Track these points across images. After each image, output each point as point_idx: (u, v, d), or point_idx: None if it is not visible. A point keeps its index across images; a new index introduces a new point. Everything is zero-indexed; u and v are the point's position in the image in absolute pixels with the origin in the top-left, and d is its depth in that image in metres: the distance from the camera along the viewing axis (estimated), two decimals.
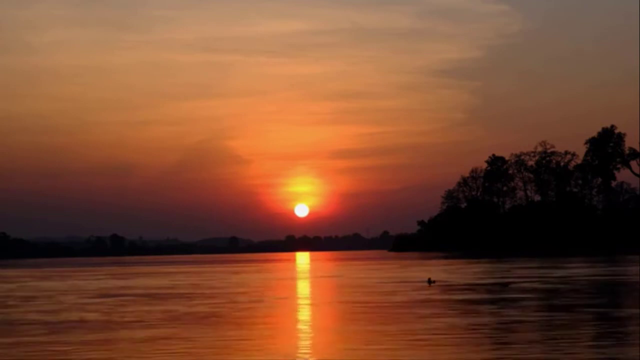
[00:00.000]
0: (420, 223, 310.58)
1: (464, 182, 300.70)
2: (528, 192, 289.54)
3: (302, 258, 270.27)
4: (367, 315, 43.51)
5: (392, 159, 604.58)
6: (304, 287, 75.11)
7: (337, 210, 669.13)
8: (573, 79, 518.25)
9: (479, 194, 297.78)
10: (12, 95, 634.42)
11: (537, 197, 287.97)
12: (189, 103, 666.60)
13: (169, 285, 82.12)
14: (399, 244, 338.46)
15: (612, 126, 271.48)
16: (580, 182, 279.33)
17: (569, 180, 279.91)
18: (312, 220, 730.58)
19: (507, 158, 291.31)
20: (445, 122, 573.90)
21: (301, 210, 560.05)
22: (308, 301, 56.24)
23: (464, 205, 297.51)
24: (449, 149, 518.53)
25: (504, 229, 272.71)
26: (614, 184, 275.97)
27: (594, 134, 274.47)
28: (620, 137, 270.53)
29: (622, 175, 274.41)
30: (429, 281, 74.53)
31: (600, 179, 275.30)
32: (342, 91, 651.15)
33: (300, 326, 39.03)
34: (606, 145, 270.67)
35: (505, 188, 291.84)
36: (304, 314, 45.66)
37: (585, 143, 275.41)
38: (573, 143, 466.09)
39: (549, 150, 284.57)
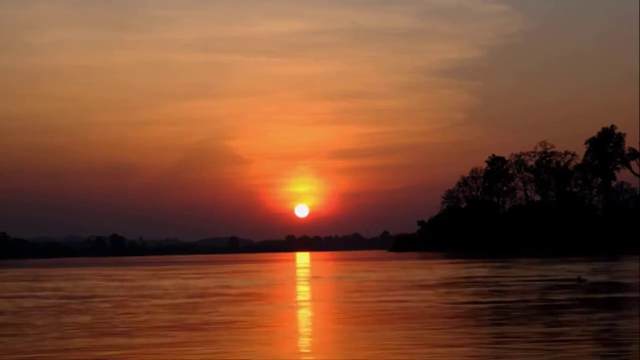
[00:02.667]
0: (420, 223, 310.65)
1: (464, 182, 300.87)
2: (528, 192, 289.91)
3: (303, 258, 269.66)
4: (543, 315, 41.96)
5: (392, 159, 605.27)
6: (419, 291, 62.77)
7: (337, 210, 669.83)
8: (573, 79, 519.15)
9: (479, 194, 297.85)
10: (12, 95, 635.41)
11: (537, 197, 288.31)
12: (189, 103, 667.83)
13: (258, 284, 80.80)
14: (399, 244, 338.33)
15: (612, 126, 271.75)
16: (580, 182, 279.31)
17: (569, 180, 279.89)
18: (312, 220, 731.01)
19: (507, 158, 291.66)
20: (445, 122, 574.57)
21: (301, 211, 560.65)
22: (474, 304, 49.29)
23: (464, 205, 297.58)
24: (449, 149, 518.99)
25: (504, 229, 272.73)
26: (614, 184, 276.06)
27: (594, 134, 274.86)
28: (620, 137, 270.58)
29: (622, 175, 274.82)
30: (579, 279, 70.65)
31: (600, 179, 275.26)
32: (342, 91, 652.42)
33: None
34: (606, 145, 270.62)
35: (505, 188, 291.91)
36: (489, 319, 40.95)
37: (585, 143, 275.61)
38: (573, 143, 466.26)
39: (549, 150, 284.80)
